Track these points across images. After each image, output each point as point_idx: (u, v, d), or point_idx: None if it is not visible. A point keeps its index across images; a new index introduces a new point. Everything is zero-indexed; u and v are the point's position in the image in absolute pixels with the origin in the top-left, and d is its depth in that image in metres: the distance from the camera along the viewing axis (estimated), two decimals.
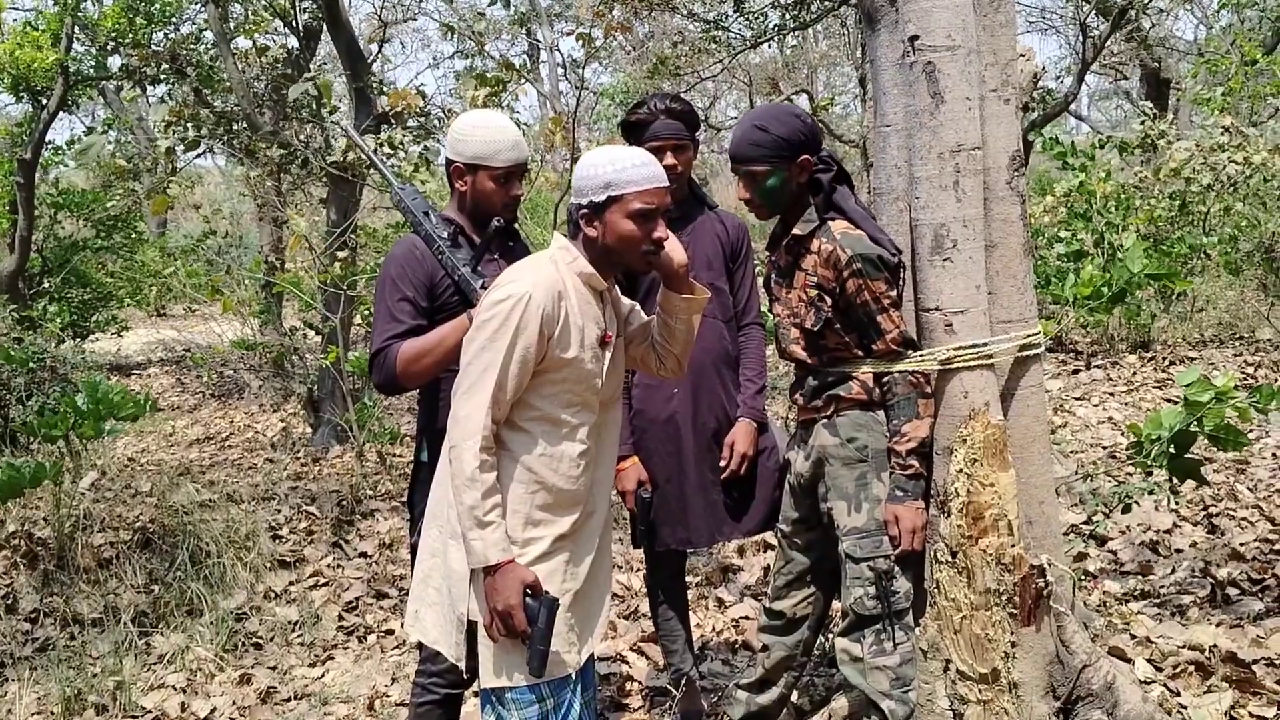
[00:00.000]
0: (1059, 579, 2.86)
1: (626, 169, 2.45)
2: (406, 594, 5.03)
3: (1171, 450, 3.63)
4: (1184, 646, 3.45)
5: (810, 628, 3.16)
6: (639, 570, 5.07)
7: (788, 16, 11.77)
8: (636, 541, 3.48)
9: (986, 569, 2.74)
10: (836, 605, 3.12)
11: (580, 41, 7.25)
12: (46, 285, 12.15)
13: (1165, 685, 3.17)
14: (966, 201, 2.79)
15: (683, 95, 3.59)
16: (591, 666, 2.71)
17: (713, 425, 3.40)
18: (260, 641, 4.69)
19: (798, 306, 2.90)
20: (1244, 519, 4.89)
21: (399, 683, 4.21)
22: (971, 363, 2.78)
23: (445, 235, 2.90)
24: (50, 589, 4.99)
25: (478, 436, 2.36)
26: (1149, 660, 3.35)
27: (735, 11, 12.18)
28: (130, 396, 5.78)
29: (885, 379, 2.83)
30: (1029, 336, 2.87)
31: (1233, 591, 4.05)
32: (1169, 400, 7.16)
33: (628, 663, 4.15)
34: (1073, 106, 15.86)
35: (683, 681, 3.60)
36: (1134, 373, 8.21)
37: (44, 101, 11.39)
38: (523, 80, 7.71)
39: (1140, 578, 4.32)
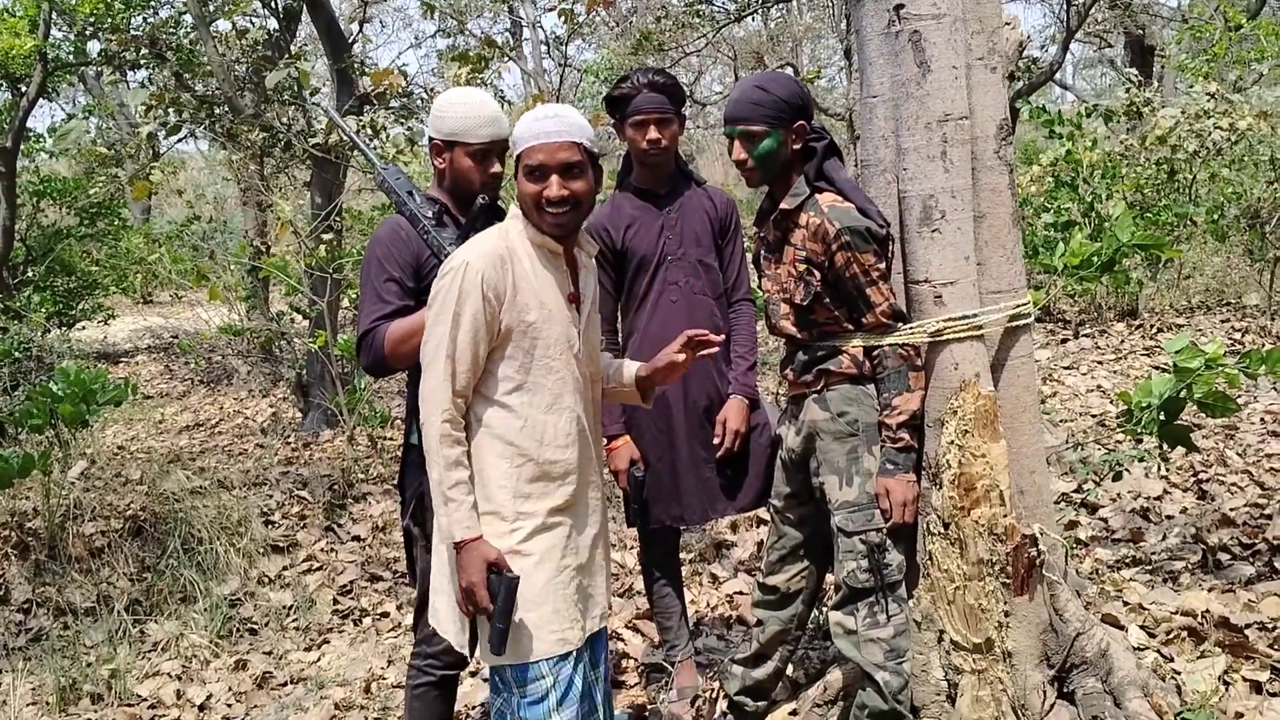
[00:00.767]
0: (1051, 548, 2.86)
1: (524, 124, 2.43)
2: (400, 577, 5.04)
3: (1162, 417, 3.63)
4: (1177, 612, 3.46)
5: (804, 602, 3.16)
6: (633, 548, 5.08)
7: None
8: (630, 520, 3.48)
9: (979, 539, 2.75)
10: (829, 579, 3.12)
11: (563, 18, 7.20)
12: (31, 274, 12.06)
13: (1159, 651, 3.19)
14: (954, 172, 2.77)
15: (667, 70, 3.55)
16: (602, 643, 2.69)
17: (704, 403, 3.39)
18: (255, 627, 4.69)
19: (787, 282, 2.88)
20: (1234, 484, 4.91)
21: (395, 665, 4.21)
22: (962, 334, 2.77)
23: (430, 215, 2.88)
24: (42, 579, 4.98)
25: (438, 411, 2.36)
26: (1142, 627, 3.36)
27: None
28: (110, 382, 5.75)
29: (875, 352, 2.82)
30: (1019, 307, 2.86)
31: (1224, 557, 4.07)
32: (1157, 368, 7.18)
33: (623, 640, 4.16)
34: (1057, 75, 15.81)
35: (678, 658, 3.61)
36: (1122, 341, 8.23)
37: (23, 89, 11.27)
38: (505, 58, 7.65)
39: (1131, 545, 4.34)
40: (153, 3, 10.95)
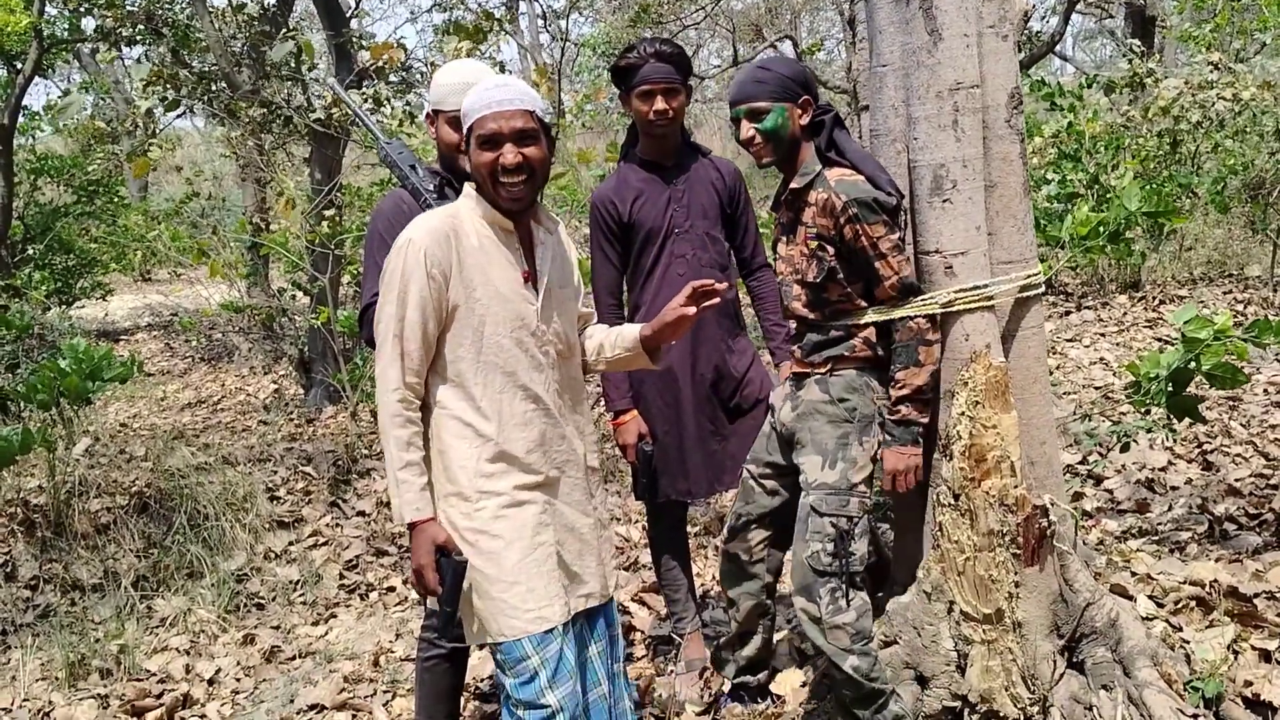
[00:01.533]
0: (1061, 519, 2.86)
1: (475, 94, 2.38)
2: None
3: (1170, 388, 3.63)
4: (1185, 582, 3.47)
5: (770, 571, 3.14)
6: (638, 522, 5.09)
7: None
8: (638, 493, 3.48)
9: (989, 510, 2.75)
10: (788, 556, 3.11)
11: None
12: (30, 252, 12.03)
13: (1167, 621, 3.19)
14: (966, 141, 2.75)
15: (673, 40, 3.51)
16: (604, 615, 2.62)
17: (711, 376, 3.38)
18: (262, 602, 4.70)
19: (799, 261, 2.86)
20: (1239, 455, 4.91)
21: (403, 638, 4.22)
22: (973, 305, 2.76)
23: (431, 188, 2.87)
24: (49, 556, 4.99)
25: (389, 391, 2.33)
26: (1150, 597, 3.37)
27: None
28: (116, 358, 5.75)
29: (889, 327, 2.82)
30: (1029, 277, 2.85)
31: (1230, 527, 4.08)
32: (1160, 339, 7.18)
33: (630, 613, 4.17)
34: (1058, 47, 15.73)
35: (686, 630, 3.62)
36: (1124, 313, 8.22)
37: (19, 66, 11.21)
38: (503, 31, 7.60)
39: (1138, 515, 4.35)
40: None
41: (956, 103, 2.74)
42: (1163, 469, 4.83)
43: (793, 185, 2.84)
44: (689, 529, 4.56)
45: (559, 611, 2.42)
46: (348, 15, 8.26)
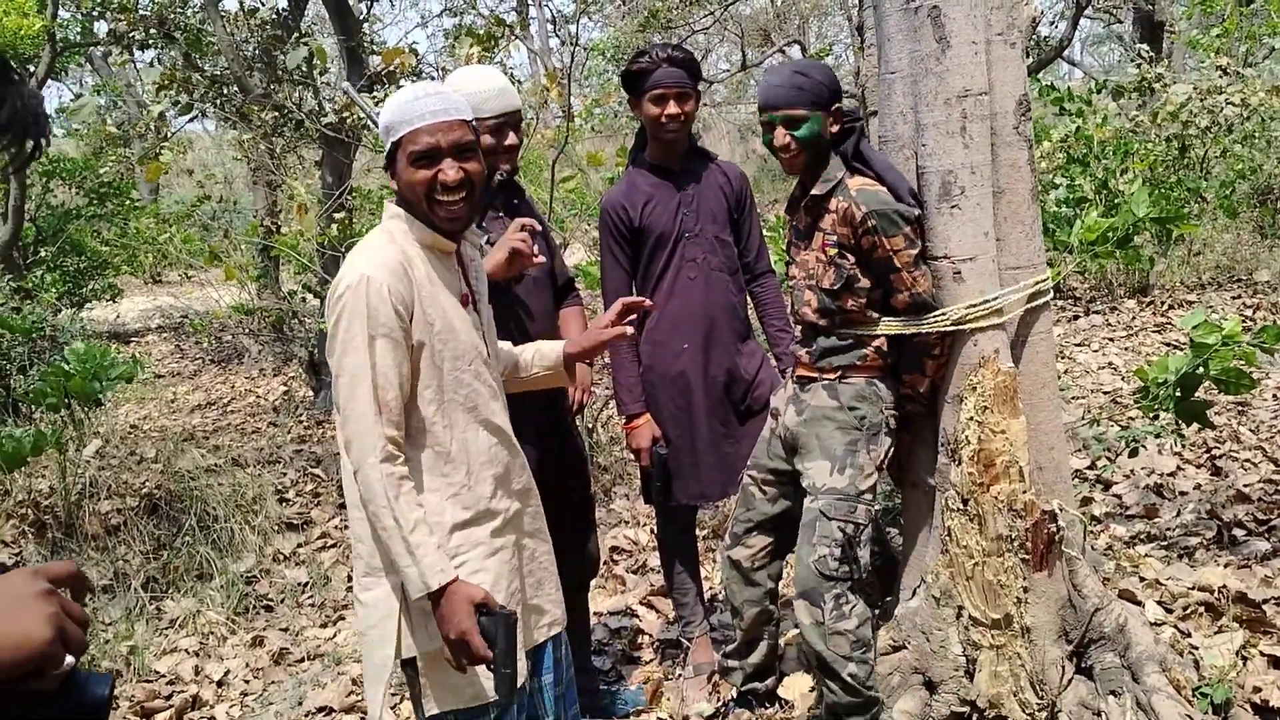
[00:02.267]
0: (1070, 524, 2.87)
1: (403, 105, 2.16)
2: None
3: (1178, 394, 3.63)
4: (1193, 588, 3.47)
5: (771, 577, 3.15)
6: (645, 525, 5.10)
7: None
8: (648, 497, 3.49)
9: (998, 515, 2.75)
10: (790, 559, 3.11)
11: None
12: (42, 254, 12.09)
13: (1176, 626, 3.19)
14: (974, 147, 2.76)
15: (684, 45, 3.53)
16: (551, 643, 2.48)
17: (722, 379, 3.39)
18: (271, 604, 4.72)
19: (814, 267, 2.86)
20: (1247, 460, 4.90)
21: None
22: (983, 323, 2.77)
23: None
24: (59, 557, 5.01)
25: (375, 451, 2.07)
26: (1159, 602, 3.37)
27: None
28: (119, 358, 5.78)
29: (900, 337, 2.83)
30: (1038, 284, 2.86)
31: (1239, 532, 4.07)
32: (1169, 344, 7.17)
33: (638, 617, 4.18)
34: (1066, 52, 15.72)
35: (694, 634, 3.63)
36: (1133, 317, 8.21)
37: (32, 69, 11.27)
38: (514, 36, 7.62)
39: (1147, 521, 4.34)
40: None
41: (965, 109, 2.74)
42: (1171, 474, 4.83)
43: (814, 191, 2.84)
44: (697, 532, 4.57)
45: (525, 664, 2.31)
46: (360, 20, 8.30)
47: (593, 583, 3.51)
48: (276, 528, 5.36)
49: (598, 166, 9.77)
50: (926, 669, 2.88)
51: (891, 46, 2.88)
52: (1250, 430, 5.32)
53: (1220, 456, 4.98)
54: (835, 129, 2.82)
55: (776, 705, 3.29)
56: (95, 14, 11.01)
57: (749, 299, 3.55)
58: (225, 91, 7.97)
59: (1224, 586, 3.41)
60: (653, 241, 3.34)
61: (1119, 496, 4.67)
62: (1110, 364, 6.95)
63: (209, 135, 21.30)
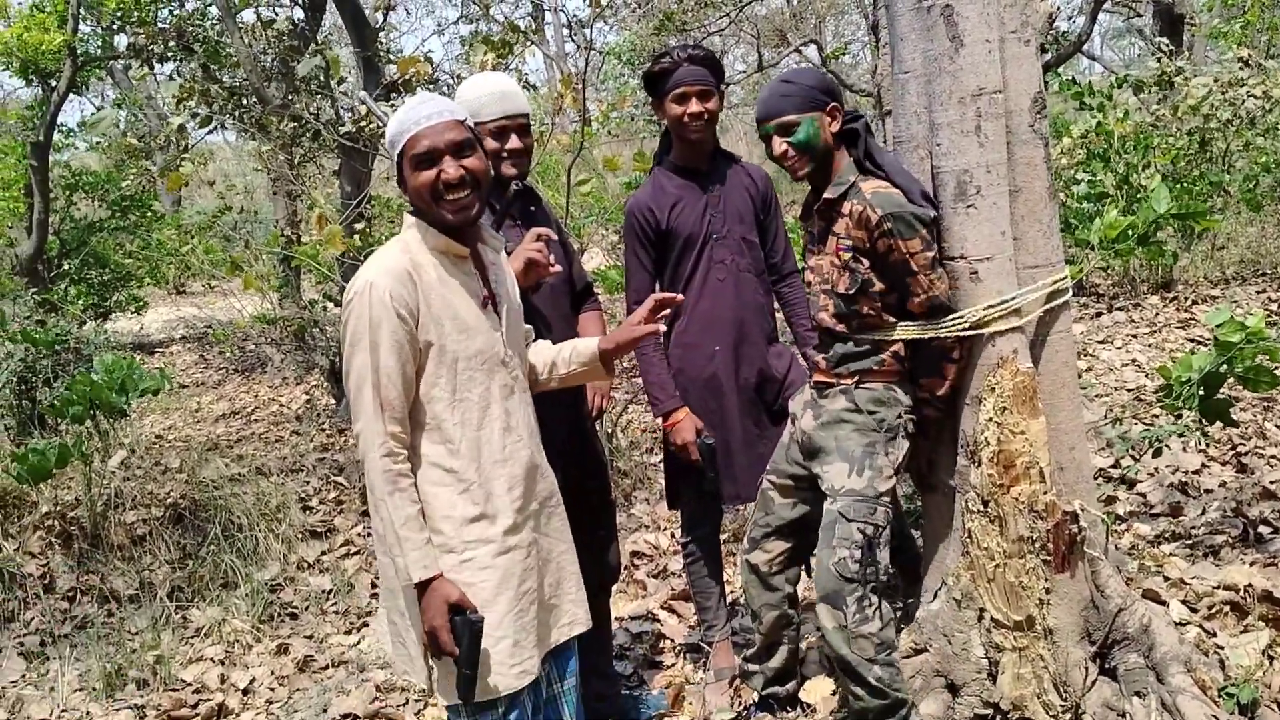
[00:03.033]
0: (1092, 524, 2.85)
1: (401, 117, 2.28)
2: None
3: (1201, 392, 3.60)
4: (1218, 587, 3.44)
5: (790, 582, 3.13)
6: (666, 529, 5.09)
7: None
8: (672, 502, 3.49)
9: (1019, 517, 2.74)
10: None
11: (589, 1, 7.18)
12: (65, 267, 12.21)
13: (1201, 626, 3.17)
14: (989, 146, 2.75)
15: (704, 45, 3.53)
16: (571, 652, 2.55)
17: (754, 380, 3.39)
18: (295, 611, 4.75)
19: (829, 272, 2.85)
20: (1273, 457, 4.85)
21: None
22: (1002, 326, 2.75)
23: None
24: (86, 567, 5.06)
25: (377, 447, 2.20)
26: (1183, 602, 3.34)
27: None
28: (146, 371, 5.84)
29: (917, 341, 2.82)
30: (1057, 282, 2.84)
31: (1265, 530, 4.03)
32: (1193, 340, 7.10)
33: (659, 621, 4.17)
34: (1085, 46, 15.61)
35: (715, 639, 3.62)
36: (1156, 314, 8.14)
37: (53, 84, 11.39)
38: (529, 42, 7.64)
39: (1170, 519, 4.31)
40: None
41: (979, 108, 2.73)
42: (1196, 472, 4.79)
43: (826, 195, 2.83)
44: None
45: (536, 663, 2.36)
46: (375, 30, 8.34)
47: (614, 587, 3.50)
48: (300, 536, 5.39)
49: (614, 171, 9.78)
50: (949, 672, 2.87)
51: (905, 46, 2.87)
52: (1276, 427, 5.27)
53: (1246, 454, 4.93)
54: (835, 128, 2.81)
55: (798, 709, 3.27)
56: (115, 28, 11.13)
57: (776, 300, 3.55)
58: (244, 103, 8.03)
59: (1250, 585, 3.37)
60: (681, 243, 3.33)
61: (1142, 495, 4.63)
62: (1134, 361, 6.90)
63: (229, 146, 21.48)
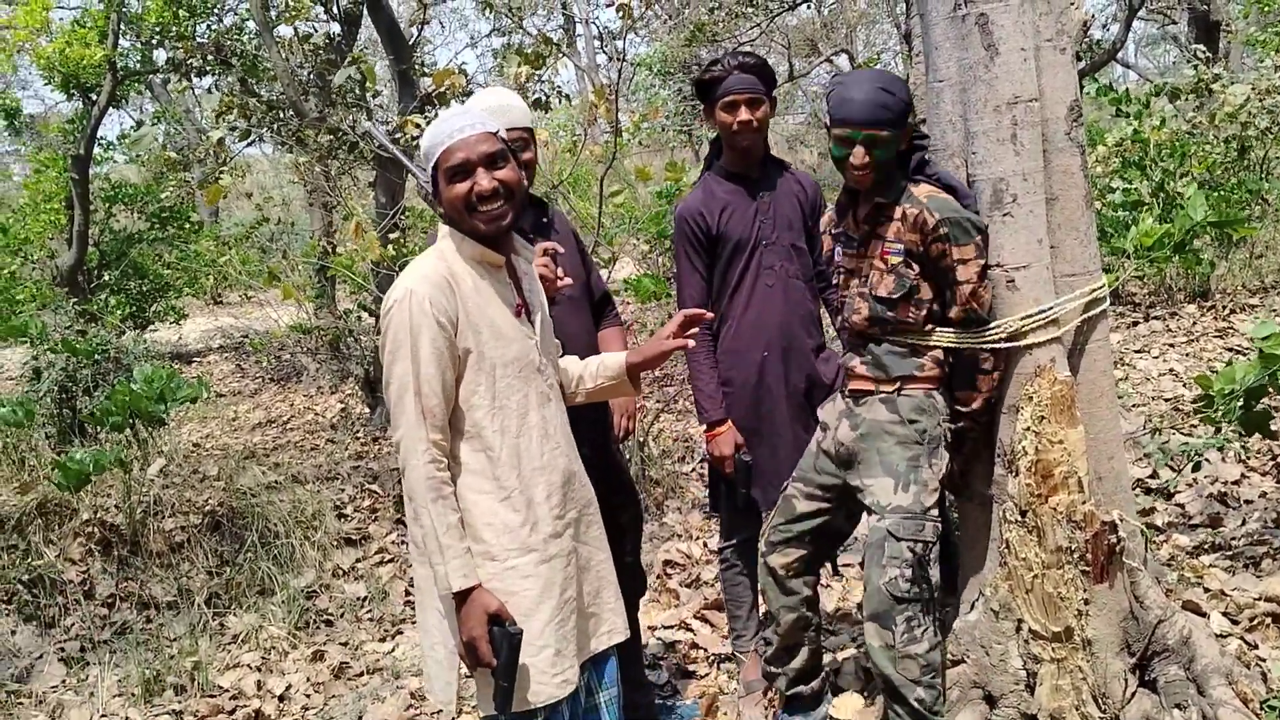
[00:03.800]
0: (1131, 534, 2.82)
1: (434, 130, 2.31)
2: None
3: (1242, 404, 3.55)
4: (1260, 598, 3.39)
5: (809, 585, 3.12)
6: (699, 538, 5.09)
7: None
8: (715, 506, 3.49)
9: (1057, 527, 2.72)
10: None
11: (620, 13, 7.20)
12: (105, 278, 12.37)
13: (1242, 638, 3.13)
14: (1025, 154, 2.74)
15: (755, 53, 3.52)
16: (612, 661, 2.55)
17: (803, 385, 3.39)
18: (331, 618, 4.78)
19: (871, 275, 2.83)
20: None
21: None
22: (1041, 337, 2.73)
23: None
24: (125, 574, 5.11)
25: (419, 454, 2.20)
26: (1224, 613, 3.30)
27: None
28: (184, 380, 5.91)
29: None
30: (1094, 291, 2.82)
31: None
32: (1230, 350, 7.02)
33: (692, 630, 4.17)
34: (1120, 54, 15.50)
35: (745, 649, 3.61)
36: (1193, 323, 8.05)
37: (94, 98, 11.57)
38: (561, 54, 7.68)
39: (1210, 530, 4.26)
40: (216, 10, 11.18)
41: (1015, 116, 2.72)
42: (1235, 482, 4.72)
43: (879, 199, 2.80)
44: None
45: (576, 671, 2.36)
46: (411, 43, 8.42)
47: (646, 597, 3.50)
48: (335, 543, 5.43)
49: (646, 181, 9.80)
50: (986, 683, 2.85)
51: (939, 54, 2.87)
52: None
53: None
54: (903, 147, 2.77)
55: (824, 705, 3.26)
56: (154, 43, 11.29)
57: (823, 306, 3.55)
58: (281, 116, 8.11)
59: None
60: (730, 249, 3.33)
61: (1181, 505, 4.58)
62: (1171, 370, 6.82)
63: (267, 159, 21.71)
